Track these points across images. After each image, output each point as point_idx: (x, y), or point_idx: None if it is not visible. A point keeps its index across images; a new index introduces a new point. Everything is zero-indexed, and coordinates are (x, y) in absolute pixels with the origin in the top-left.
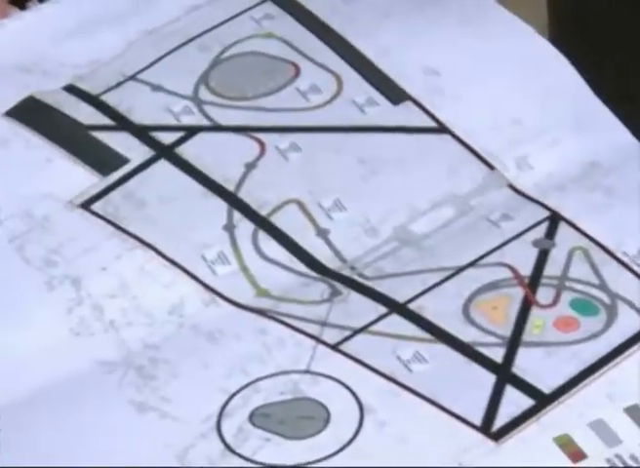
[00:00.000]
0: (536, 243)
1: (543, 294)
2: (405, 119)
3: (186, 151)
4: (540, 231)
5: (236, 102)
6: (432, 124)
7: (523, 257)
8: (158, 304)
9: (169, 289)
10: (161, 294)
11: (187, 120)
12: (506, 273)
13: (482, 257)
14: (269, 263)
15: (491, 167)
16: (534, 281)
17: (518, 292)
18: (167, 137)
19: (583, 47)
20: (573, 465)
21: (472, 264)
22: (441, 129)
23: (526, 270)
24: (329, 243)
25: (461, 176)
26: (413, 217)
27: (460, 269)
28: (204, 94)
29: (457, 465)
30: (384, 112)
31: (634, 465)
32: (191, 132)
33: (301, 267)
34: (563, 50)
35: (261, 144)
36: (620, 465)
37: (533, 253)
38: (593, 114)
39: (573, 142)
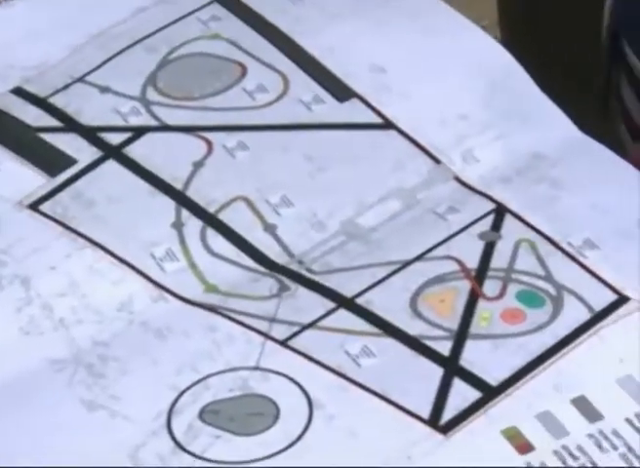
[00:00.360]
0: (482, 235)
1: (490, 287)
2: (351, 116)
3: (134, 151)
4: (486, 224)
5: (183, 102)
6: (379, 120)
7: (469, 250)
8: (107, 302)
9: (118, 286)
10: (110, 292)
11: (135, 120)
12: (453, 266)
13: (429, 251)
14: (217, 259)
15: (437, 161)
16: (480, 273)
17: (465, 285)
18: (115, 138)
19: (533, 47)
20: (520, 457)
21: (419, 258)
22: (387, 125)
23: (472, 263)
24: (277, 238)
25: (408, 171)
26: (360, 212)
27: (408, 263)
28: (151, 94)
29: (405, 458)
30: (331, 110)
31: (581, 456)
32: (139, 132)
33: (250, 262)
34: (513, 51)
35: (209, 143)
36: (567, 457)
37: (479, 246)
38: (538, 108)
39: (518, 135)
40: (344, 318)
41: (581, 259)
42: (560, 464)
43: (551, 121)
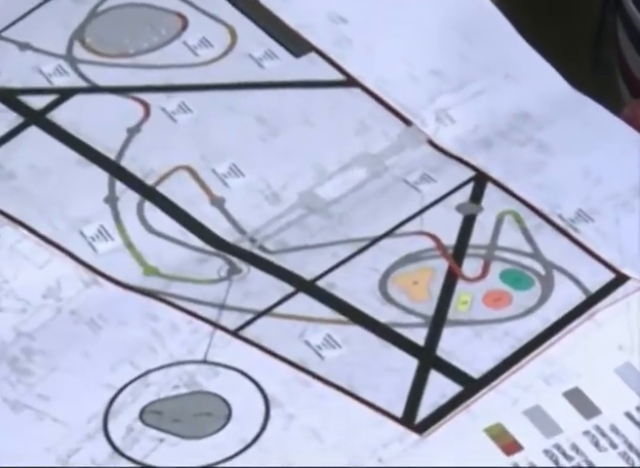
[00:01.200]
0: (460, 208)
1: (470, 266)
2: (309, 72)
3: (60, 116)
4: (465, 194)
5: (116, 60)
6: (340, 77)
7: (446, 225)
8: (32, 287)
9: (43, 269)
10: (35, 276)
11: (61, 81)
12: (427, 243)
13: (399, 226)
14: (158, 238)
15: (407, 122)
16: (459, 251)
17: (441, 265)
18: (38, 102)
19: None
20: (507, 458)
21: (388, 234)
22: (350, 82)
23: (449, 239)
24: (225, 213)
25: (374, 134)
26: (320, 181)
27: (375, 240)
28: (79, 51)
29: (376, 461)
30: (285, 66)
31: (576, 456)
32: (65, 94)
33: (195, 241)
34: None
35: (146, 106)
36: (560, 457)
37: (457, 220)
38: (522, 61)
39: (500, 92)
40: (304, 303)
41: (574, 234)
42: (552, 465)
43: (538, 76)
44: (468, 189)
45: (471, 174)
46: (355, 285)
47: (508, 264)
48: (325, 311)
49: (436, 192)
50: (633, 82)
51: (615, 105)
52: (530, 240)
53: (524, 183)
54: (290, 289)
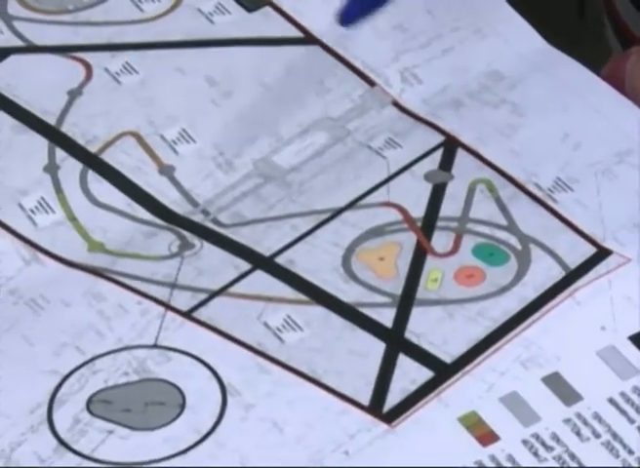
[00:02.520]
0: (428, 176)
1: (440, 240)
2: (263, 28)
3: None
4: (434, 161)
5: (54, 17)
6: (297, 33)
7: (413, 195)
8: None
9: None
10: None
11: None
12: (394, 215)
13: (363, 196)
14: (103, 210)
15: (370, 82)
16: (428, 224)
17: (409, 239)
18: None
19: None
20: (482, 449)
21: (352, 205)
22: (308, 39)
23: (418, 211)
24: (175, 182)
25: (335, 95)
26: (277, 148)
27: (338, 212)
28: (14, 8)
29: (342, 454)
30: (238, 21)
31: (556, 446)
32: (0, 55)
33: (143, 213)
34: None
35: (87, 66)
36: (540, 447)
37: (425, 189)
38: (493, 15)
39: (470, 49)
40: (262, 282)
41: (551, 204)
42: (531, 456)
43: (511, 30)
44: (437, 156)
45: (440, 138)
46: (317, 261)
47: (481, 238)
48: (285, 290)
49: (403, 159)
50: (626, 33)
51: (601, 57)
52: (504, 211)
53: (497, 149)
54: (246, 266)
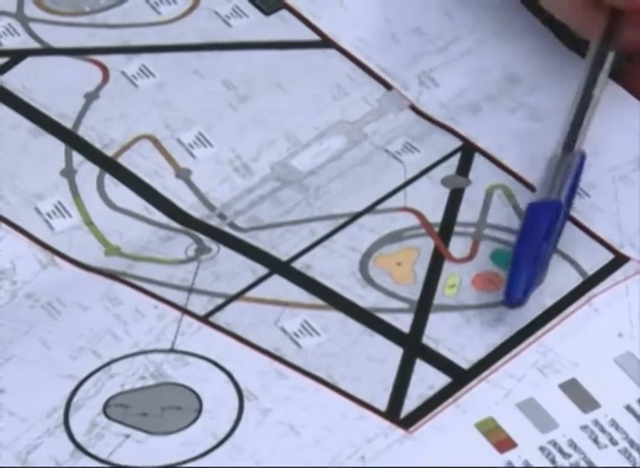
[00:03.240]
0: (445, 181)
1: (458, 246)
2: (280, 32)
3: (11, 81)
4: (451, 166)
5: (71, 19)
6: (314, 37)
7: (431, 200)
8: None
9: None
10: None
11: (11, 42)
12: (411, 220)
13: (381, 201)
14: (120, 214)
15: (388, 86)
16: (445, 229)
17: (427, 244)
18: None
19: None
20: (499, 456)
21: (369, 210)
22: (325, 42)
23: (435, 216)
24: (192, 186)
25: (352, 99)
26: (294, 151)
27: (355, 216)
28: (31, 9)
29: (358, 459)
30: (254, 24)
31: (573, 453)
32: (16, 57)
33: (160, 217)
34: None
35: (104, 69)
36: (557, 454)
37: (443, 194)
38: (512, 18)
39: (487, 53)
40: (279, 286)
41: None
42: (548, 463)
43: (529, 34)
44: (455, 161)
45: (458, 143)
46: (334, 266)
47: (499, 244)
48: (302, 295)
49: (420, 163)
50: None
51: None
52: (522, 217)
53: (515, 154)
54: (263, 270)
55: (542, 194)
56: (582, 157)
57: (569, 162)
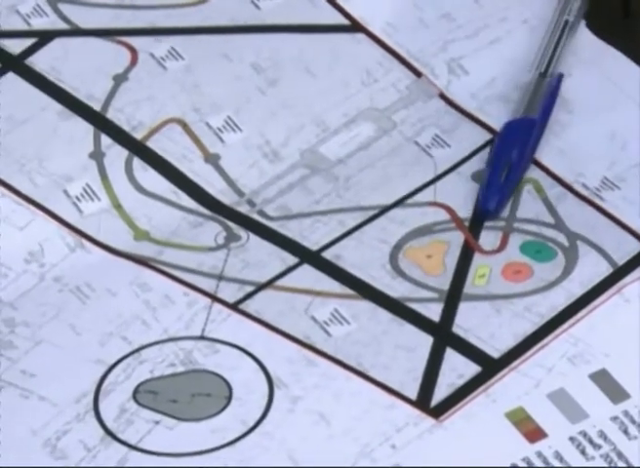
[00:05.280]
0: (475, 175)
1: (488, 239)
2: (310, 15)
3: (40, 62)
4: (481, 160)
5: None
6: (344, 21)
7: (460, 195)
8: (12, 251)
9: (25, 231)
10: (16, 239)
11: (40, 23)
12: (441, 215)
13: (411, 195)
14: (148, 198)
15: (417, 73)
16: (475, 223)
17: (457, 237)
18: (15, 46)
19: None
20: (530, 446)
21: (399, 203)
22: (354, 27)
23: (465, 210)
24: (221, 171)
25: (381, 85)
26: (323, 138)
27: (385, 209)
28: None
29: (388, 448)
30: (284, 7)
31: (604, 444)
32: (45, 38)
33: (188, 202)
34: None
35: (133, 51)
36: (587, 444)
37: (472, 190)
38: (541, 5)
39: (518, 41)
40: (309, 276)
41: (599, 202)
42: (578, 453)
43: None
44: (485, 155)
45: (487, 136)
46: (364, 257)
47: (529, 236)
48: (332, 284)
49: (450, 158)
50: None
51: None
52: (552, 210)
53: (545, 148)
54: (293, 259)
55: (518, 114)
56: (558, 78)
57: (544, 83)
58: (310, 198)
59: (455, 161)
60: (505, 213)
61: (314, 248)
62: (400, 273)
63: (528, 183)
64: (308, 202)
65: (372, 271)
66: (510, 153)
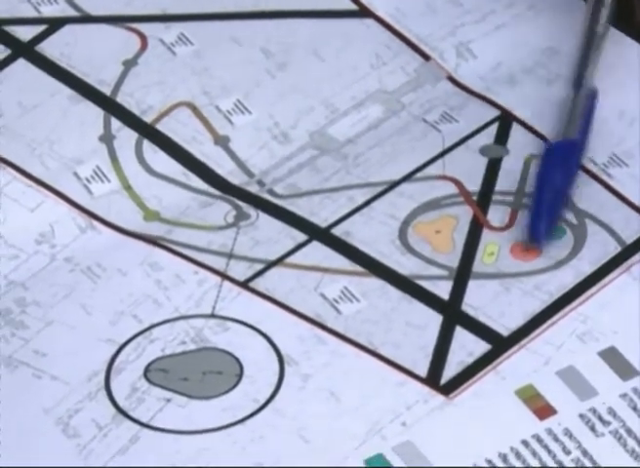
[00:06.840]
0: (484, 150)
1: (496, 214)
2: (318, 1)
3: (50, 48)
4: (489, 135)
5: None
6: (352, 6)
7: (469, 169)
8: (23, 232)
9: (36, 213)
10: (27, 220)
11: (50, 10)
12: (450, 188)
13: (419, 169)
14: (158, 179)
15: (425, 56)
16: (483, 198)
17: (465, 212)
18: (26, 32)
19: None
20: (540, 423)
21: (407, 178)
22: (363, 12)
23: (473, 184)
24: (230, 153)
25: (389, 68)
26: (333, 119)
27: (394, 184)
28: None
29: (399, 425)
30: None
31: (613, 421)
32: (55, 24)
33: (198, 183)
34: None
35: (142, 37)
36: (597, 421)
37: (481, 163)
38: None
39: (525, 24)
40: (318, 253)
41: (607, 179)
42: (588, 430)
43: (565, 7)
44: (492, 130)
45: (495, 113)
46: (373, 233)
47: None
48: (341, 261)
49: (458, 132)
50: None
51: None
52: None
53: (552, 123)
54: (302, 236)
55: (558, 136)
56: (593, 94)
57: (579, 99)
58: (319, 176)
59: (463, 135)
60: (514, 187)
61: (323, 225)
62: (409, 249)
63: (536, 159)
64: (317, 180)
65: (381, 247)
66: (555, 179)
